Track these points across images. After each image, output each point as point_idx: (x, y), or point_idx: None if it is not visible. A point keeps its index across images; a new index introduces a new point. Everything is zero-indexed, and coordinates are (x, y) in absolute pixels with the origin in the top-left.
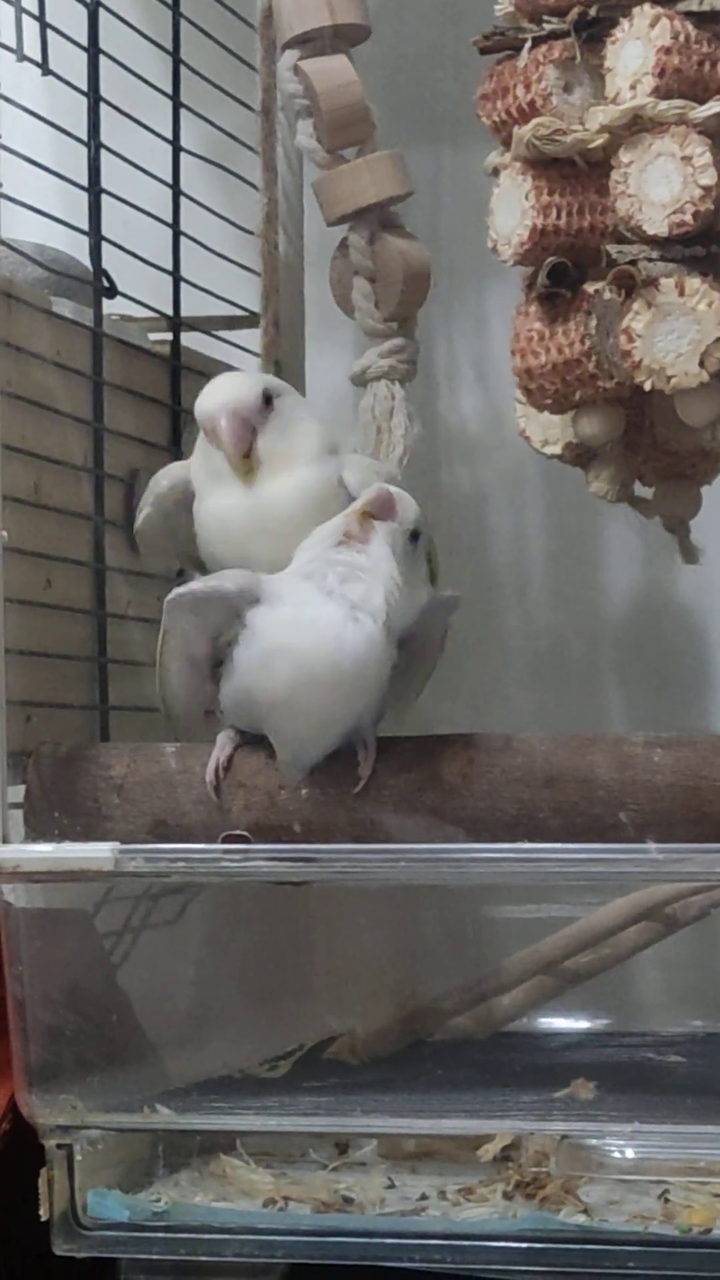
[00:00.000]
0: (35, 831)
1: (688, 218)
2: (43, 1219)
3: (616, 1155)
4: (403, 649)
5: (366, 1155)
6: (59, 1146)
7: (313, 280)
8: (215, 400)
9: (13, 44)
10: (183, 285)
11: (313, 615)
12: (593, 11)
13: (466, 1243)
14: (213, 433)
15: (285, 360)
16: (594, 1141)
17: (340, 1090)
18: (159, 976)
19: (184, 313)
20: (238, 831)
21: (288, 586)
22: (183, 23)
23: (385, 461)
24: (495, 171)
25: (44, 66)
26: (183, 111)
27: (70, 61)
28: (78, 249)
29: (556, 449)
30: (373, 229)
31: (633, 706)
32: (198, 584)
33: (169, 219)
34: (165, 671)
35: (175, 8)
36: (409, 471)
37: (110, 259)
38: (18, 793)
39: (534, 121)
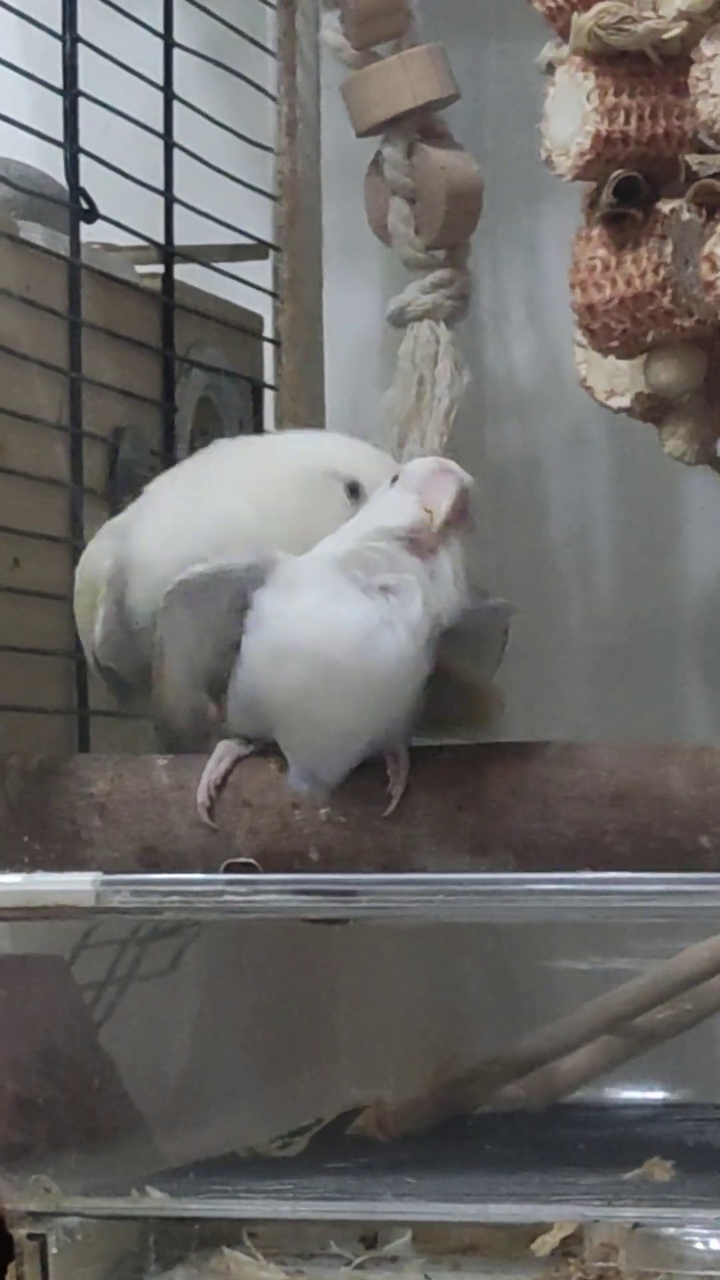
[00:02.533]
0: (1, 860)
1: None
2: None
3: (699, 1247)
4: (453, 664)
5: (399, 1249)
6: (30, 1237)
7: (331, 203)
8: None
9: None
10: (176, 208)
11: (339, 611)
12: None
13: None
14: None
15: (302, 297)
16: (671, 1231)
17: (367, 1171)
18: (149, 1036)
19: (178, 241)
20: (243, 860)
21: (314, 572)
22: None
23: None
24: (550, 68)
25: None
26: None
27: None
28: (50, 163)
29: (624, 401)
30: (410, 139)
31: (716, 710)
32: (200, 568)
33: (159, 128)
34: (163, 680)
35: None
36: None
37: (89, 175)
38: None
39: (598, 7)
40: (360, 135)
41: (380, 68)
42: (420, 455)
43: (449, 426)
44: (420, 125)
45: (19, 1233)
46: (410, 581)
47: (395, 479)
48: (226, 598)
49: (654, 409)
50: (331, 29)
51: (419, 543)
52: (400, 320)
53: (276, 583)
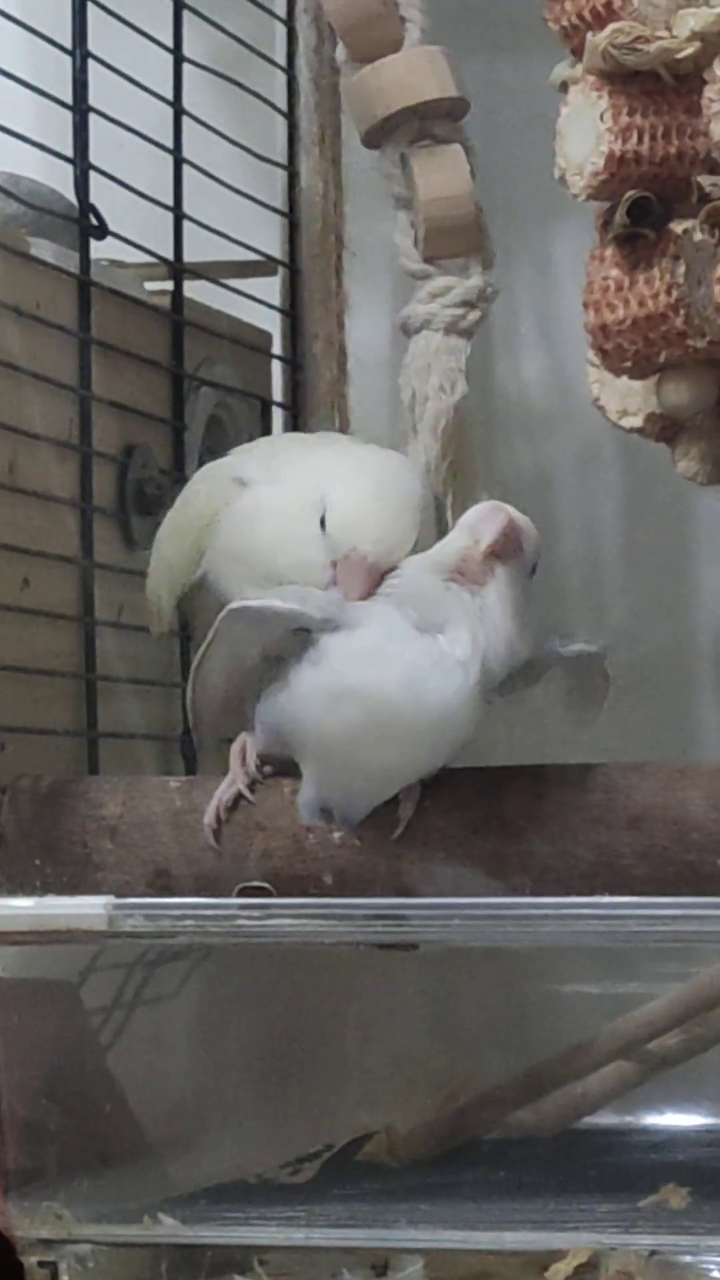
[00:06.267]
0: (12, 883)
1: None
2: None
3: (716, 1275)
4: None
5: (411, 1276)
6: (41, 1265)
7: (353, 218)
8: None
9: None
10: (186, 224)
11: (398, 652)
12: None
13: None
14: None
15: (318, 315)
16: (688, 1259)
17: (377, 1198)
18: (157, 1060)
19: (187, 257)
20: (256, 883)
21: (375, 612)
22: None
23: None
24: (564, 87)
25: None
26: (186, 14)
27: None
28: (60, 179)
29: (637, 421)
30: (403, 147)
31: None
32: (275, 604)
33: (169, 144)
34: (203, 678)
35: None
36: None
37: (99, 192)
38: None
39: (611, 26)
40: (364, 143)
41: (370, 71)
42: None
43: (438, 440)
44: (423, 131)
45: (30, 1260)
46: (459, 617)
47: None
48: (288, 628)
49: (666, 429)
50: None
51: (466, 572)
52: (406, 332)
53: (343, 624)
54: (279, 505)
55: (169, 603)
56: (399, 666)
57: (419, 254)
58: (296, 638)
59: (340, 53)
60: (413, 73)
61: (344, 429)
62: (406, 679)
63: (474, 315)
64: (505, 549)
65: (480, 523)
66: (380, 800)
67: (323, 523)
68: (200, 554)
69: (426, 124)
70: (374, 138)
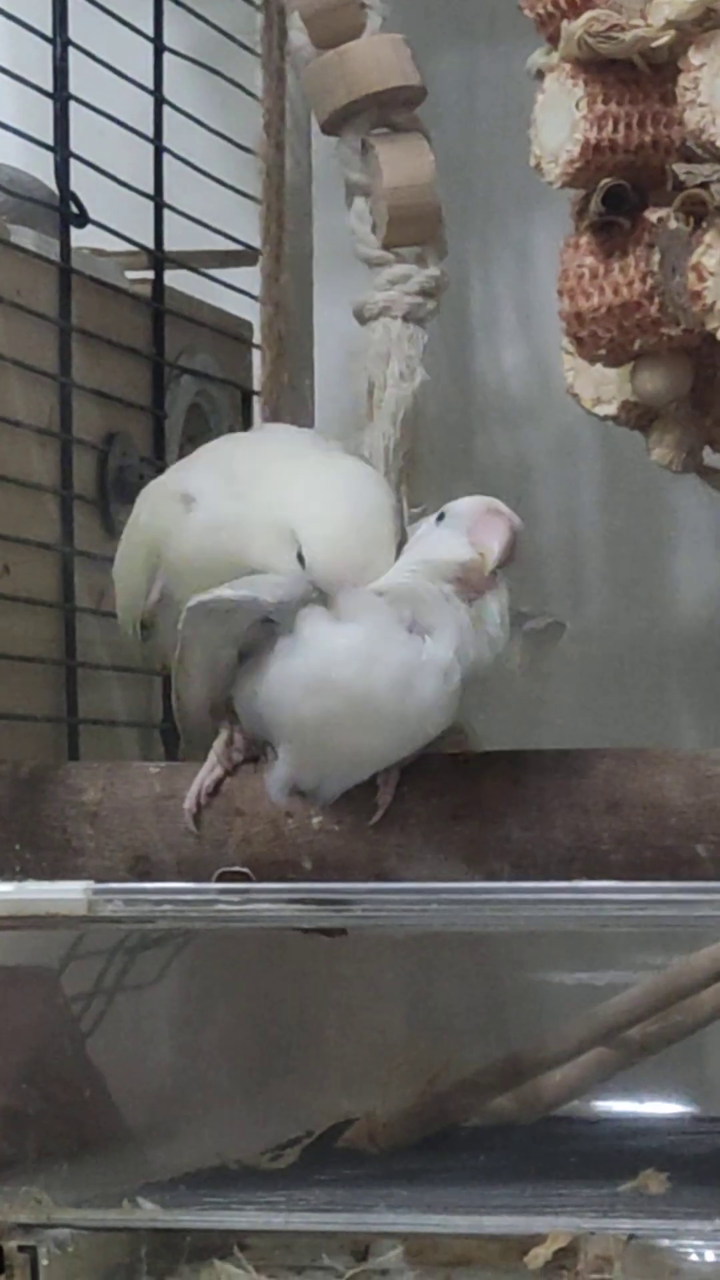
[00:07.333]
0: None
1: None
2: None
3: (694, 1259)
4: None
5: (390, 1261)
6: (21, 1249)
7: (321, 207)
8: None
9: None
10: (166, 213)
11: (384, 651)
12: None
13: None
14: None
15: (290, 303)
16: (666, 1243)
17: (358, 1183)
18: (137, 1046)
19: (168, 246)
20: (236, 868)
21: (362, 605)
22: None
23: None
24: (540, 75)
25: None
26: (166, 3)
27: None
28: (40, 167)
29: (611, 409)
30: (363, 134)
31: (709, 719)
32: (225, 591)
33: (150, 132)
34: (183, 687)
35: None
36: (434, 437)
37: (80, 180)
38: None
39: (587, 15)
40: (324, 131)
41: (329, 59)
42: (374, 460)
43: (397, 429)
44: (383, 118)
45: (9, 1244)
46: (449, 624)
47: (441, 515)
48: (251, 615)
49: (641, 417)
50: (296, 28)
51: (467, 583)
52: (361, 319)
53: (321, 610)
54: (246, 528)
55: (134, 629)
56: (384, 666)
57: (376, 241)
58: (266, 629)
59: (296, 38)
60: (377, 59)
61: (309, 416)
62: (390, 678)
63: (431, 304)
64: (509, 560)
65: (482, 531)
66: (352, 783)
67: (300, 559)
68: (152, 573)
69: (386, 111)
70: (334, 124)
